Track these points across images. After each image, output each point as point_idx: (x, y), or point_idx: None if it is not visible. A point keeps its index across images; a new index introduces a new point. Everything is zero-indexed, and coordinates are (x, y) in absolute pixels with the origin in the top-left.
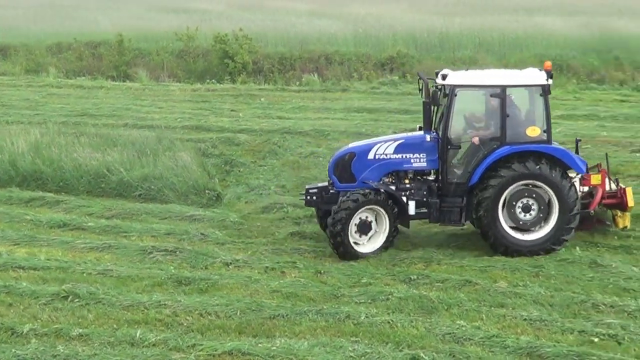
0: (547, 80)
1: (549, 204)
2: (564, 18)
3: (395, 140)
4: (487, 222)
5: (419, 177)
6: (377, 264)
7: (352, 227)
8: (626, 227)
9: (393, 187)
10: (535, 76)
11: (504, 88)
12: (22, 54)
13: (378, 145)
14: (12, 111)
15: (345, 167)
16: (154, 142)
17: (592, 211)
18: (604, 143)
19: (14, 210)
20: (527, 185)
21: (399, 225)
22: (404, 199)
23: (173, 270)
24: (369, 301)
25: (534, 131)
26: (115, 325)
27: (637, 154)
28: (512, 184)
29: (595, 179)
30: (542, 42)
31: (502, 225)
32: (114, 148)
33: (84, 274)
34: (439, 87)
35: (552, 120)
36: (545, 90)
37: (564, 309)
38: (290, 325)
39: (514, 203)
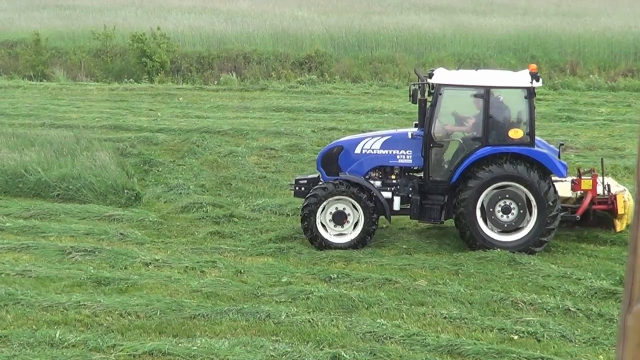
0: (531, 82)
1: (529, 206)
2: (481, 17)
3: (382, 135)
4: (465, 221)
5: (405, 174)
6: (297, 263)
7: (327, 216)
8: (623, 230)
9: (379, 182)
10: (520, 78)
11: (487, 89)
12: None
13: (366, 140)
14: None
15: (333, 160)
16: (72, 142)
17: (579, 216)
18: None
19: None
20: (506, 186)
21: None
22: (389, 194)
23: (92, 271)
24: (290, 300)
25: (516, 133)
26: (34, 326)
27: None
28: (490, 185)
29: (585, 183)
30: (460, 40)
31: (479, 225)
32: (32, 148)
33: (2, 275)
34: (418, 85)
35: None
36: (530, 93)
37: (483, 307)
38: (211, 325)
39: (494, 204)
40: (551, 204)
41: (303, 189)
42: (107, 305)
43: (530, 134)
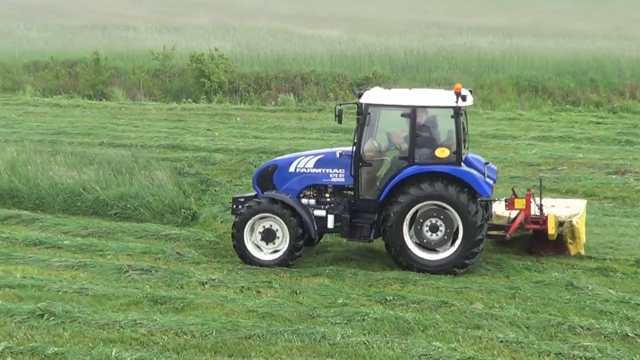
0: (457, 102)
1: (456, 226)
2: (539, 39)
3: (316, 155)
4: (392, 239)
5: (340, 192)
6: (353, 284)
7: (256, 235)
8: (579, 253)
9: (314, 201)
10: (446, 98)
11: (414, 109)
12: None
13: (299, 159)
14: None
15: (268, 179)
16: (130, 161)
17: (509, 236)
18: (580, 165)
19: None
20: (434, 205)
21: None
22: (323, 212)
23: (149, 289)
24: (345, 322)
25: (443, 152)
26: (90, 344)
27: (613, 176)
28: (416, 204)
29: (519, 203)
30: (518, 63)
31: (406, 243)
32: (90, 166)
33: (60, 292)
34: (341, 105)
35: (528, 142)
36: (456, 112)
37: (540, 331)
38: (266, 345)
39: (422, 222)
40: (477, 227)
41: (240, 207)
42: (163, 324)
43: (457, 153)
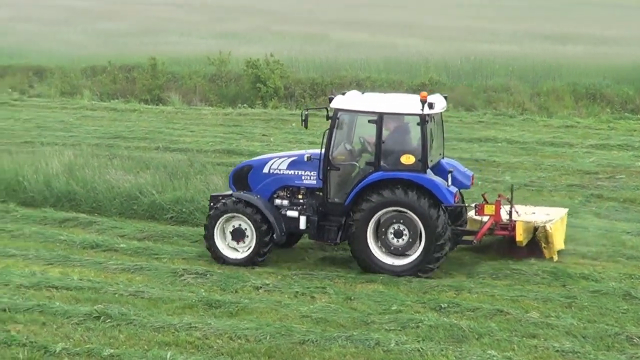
0: (422, 109)
1: (419, 232)
2: (597, 46)
3: (289, 156)
4: (356, 243)
5: (312, 194)
6: (408, 291)
7: (227, 234)
8: (552, 258)
9: (287, 202)
10: (412, 105)
11: (380, 115)
12: (58, 77)
13: (273, 160)
14: (47, 133)
15: (243, 179)
16: (186, 166)
17: (476, 241)
18: (639, 174)
19: (48, 230)
20: (398, 211)
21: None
22: (296, 213)
23: (204, 293)
24: (399, 328)
25: (408, 159)
26: (146, 347)
27: None
28: (380, 210)
29: (488, 209)
30: (576, 70)
31: (370, 248)
32: (146, 170)
33: (116, 295)
34: (307, 110)
35: (585, 150)
36: (422, 120)
37: (597, 341)
38: (320, 351)
39: (385, 228)
40: (439, 232)
41: (214, 205)
42: (217, 328)
43: (422, 160)
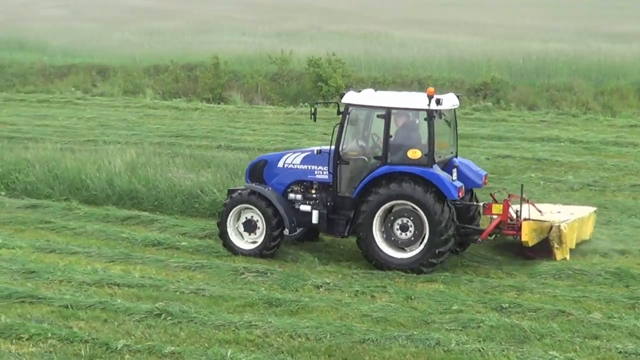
0: (429, 105)
1: (424, 226)
2: None
3: (303, 152)
4: (363, 236)
5: (325, 189)
6: (469, 291)
7: (240, 225)
8: (565, 259)
9: (300, 196)
10: (419, 101)
11: (389, 110)
12: (121, 76)
13: (288, 155)
14: (109, 131)
15: (259, 173)
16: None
17: (480, 240)
18: None
19: (110, 228)
20: (405, 205)
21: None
22: (309, 207)
23: (264, 292)
24: (460, 328)
25: (414, 154)
26: (206, 344)
27: None
28: (386, 203)
29: (496, 208)
30: None
31: (375, 240)
32: (208, 169)
33: (177, 293)
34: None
35: None
36: (429, 115)
37: None
38: (380, 350)
39: (392, 221)
40: (443, 227)
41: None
42: (277, 327)
43: (429, 154)
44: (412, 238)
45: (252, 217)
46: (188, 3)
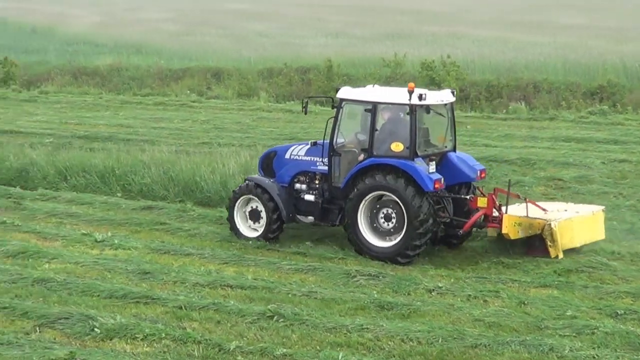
0: (410, 100)
1: (403, 217)
2: None
3: (308, 143)
4: (349, 225)
5: (325, 179)
6: (583, 297)
7: (246, 213)
8: (557, 256)
9: (305, 186)
10: (401, 96)
11: (375, 105)
12: (235, 78)
13: (294, 147)
14: (224, 134)
15: (269, 164)
16: None
17: (461, 232)
18: None
19: (223, 230)
20: (387, 196)
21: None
22: (312, 197)
23: (376, 295)
24: (574, 334)
25: (397, 147)
26: (318, 347)
27: None
28: (369, 194)
29: (481, 201)
30: None
31: (359, 228)
32: None
33: (289, 295)
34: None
35: None
36: (411, 109)
37: None
38: (492, 355)
39: (377, 211)
40: (421, 220)
41: None
42: (389, 330)
43: (410, 147)
44: (393, 229)
45: (256, 207)
46: (276, 5)
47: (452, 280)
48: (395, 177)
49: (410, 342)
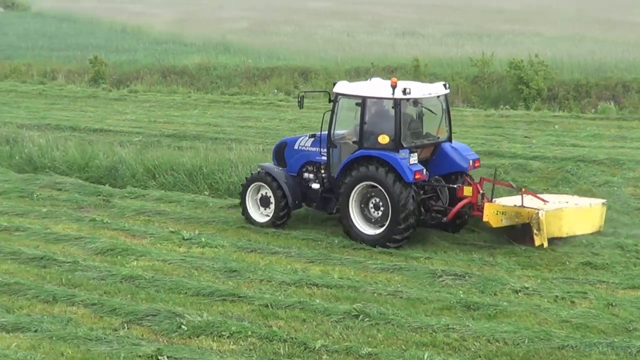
0: (393, 94)
1: (388, 205)
2: None
3: (314, 135)
4: (342, 213)
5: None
6: None
7: (257, 201)
8: (542, 245)
9: (312, 175)
10: (387, 90)
11: (364, 99)
12: (322, 77)
13: (302, 138)
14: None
15: (281, 154)
16: None
17: (445, 219)
18: None
19: (310, 229)
20: (372, 186)
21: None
22: (318, 186)
23: (462, 295)
24: None
25: (383, 139)
26: (403, 347)
27: None
28: (358, 183)
29: (466, 190)
30: None
31: (351, 217)
32: None
33: (375, 294)
34: (303, 94)
35: None
36: (395, 103)
37: None
38: (579, 357)
39: (367, 200)
40: (403, 205)
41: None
42: (475, 330)
43: (395, 140)
44: (380, 217)
45: (266, 193)
46: (354, 4)
47: (539, 280)
48: (380, 168)
49: (497, 343)
